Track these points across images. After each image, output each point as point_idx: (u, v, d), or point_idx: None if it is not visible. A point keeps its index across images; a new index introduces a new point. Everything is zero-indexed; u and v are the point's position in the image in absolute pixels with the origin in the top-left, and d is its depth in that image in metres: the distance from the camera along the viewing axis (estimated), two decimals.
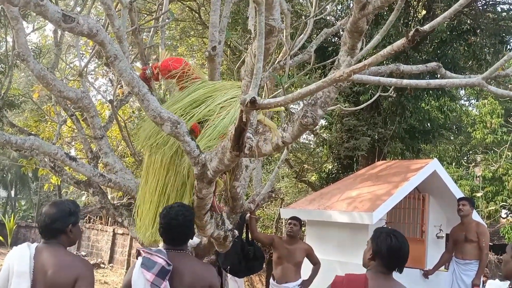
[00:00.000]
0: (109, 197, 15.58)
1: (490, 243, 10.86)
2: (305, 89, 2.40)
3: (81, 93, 5.32)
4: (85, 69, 6.77)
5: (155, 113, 3.26)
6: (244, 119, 2.83)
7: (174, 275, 3.05)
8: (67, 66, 9.40)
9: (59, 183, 18.46)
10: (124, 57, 3.26)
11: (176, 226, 3.19)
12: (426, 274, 7.45)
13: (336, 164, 14.06)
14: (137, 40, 5.89)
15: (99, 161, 6.36)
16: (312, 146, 16.94)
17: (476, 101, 26.37)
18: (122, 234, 18.94)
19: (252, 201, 6.66)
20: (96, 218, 23.74)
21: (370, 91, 11.25)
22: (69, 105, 6.81)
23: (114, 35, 4.99)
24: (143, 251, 3.17)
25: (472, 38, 12.07)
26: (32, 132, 8.29)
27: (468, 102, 27.39)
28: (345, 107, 10.10)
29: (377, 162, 10.13)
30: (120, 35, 4.83)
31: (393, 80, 2.33)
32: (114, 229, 19.76)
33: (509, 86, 14.93)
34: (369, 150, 12.31)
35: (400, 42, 2.37)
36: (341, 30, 7.59)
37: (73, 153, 14.69)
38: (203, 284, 3.06)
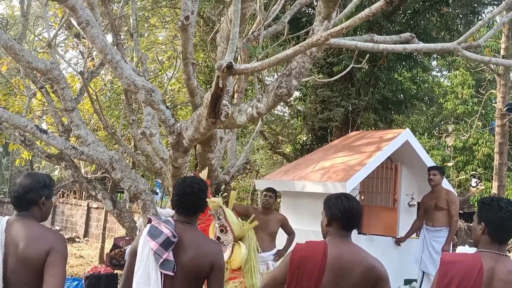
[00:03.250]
0: (83, 171, 15.43)
1: (460, 211, 11.13)
2: (282, 54, 2.38)
3: (50, 64, 5.21)
4: (54, 40, 6.61)
5: (128, 81, 3.21)
6: (220, 85, 2.80)
7: (178, 248, 3.02)
8: (36, 38, 9.15)
9: (30, 158, 18.16)
10: (97, 24, 3.18)
11: (189, 193, 3.14)
12: (398, 242, 7.61)
13: (310, 135, 14.13)
14: (107, 10, 5.76)
15: (70, 134, 6.28)
16: (286, 117, 16.98)
17: (448, 72, 26.67)
18: (97, 208, 18.83)
19: (227, 172, 6.67)
20: (70, 192, 23.52)
21: (343, 62, 11.26)
22: (38, 78, 6.67)
23: (85, 3, 4.88)
24: (153, 219, 3.16)
25: (445, 8, 12.12)
26: (1, 106, 8.11)
27: (440, 73, 27.66)
28: (319, 78, 10.10)
29: (350, 133, 10.20)
30: (92, 2, 4.73)
31: (370, 44, 2.33)
32: (88, 203, 19.63)
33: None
34: (342, 121, 12.39)
35: (378, 4, 2.35)
36: (315, 0, 7.55)
37: (44, 127, 14.42)
38: (205, 261, 3.02)
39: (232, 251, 5.09)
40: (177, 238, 3.03)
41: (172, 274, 2.98)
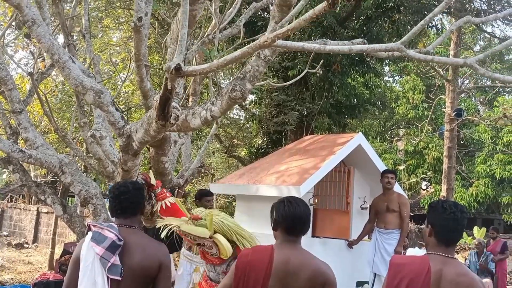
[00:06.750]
0: (33, 174, 14.99)
1: (411, 214, 11.37)
2: (230, 56, 2.37)
3: None
4: (2, 39, 6.40)
5: (76, 82, 3.14)
6: (169, 87, 2.77)
7: (124, 251, 3.00)
8: None
9: None
10: (44, 23, 3.09)
11: (125, 192, 3.13)
12: (351, 244, 7.71)
13: (265, 139, 14.18)
14: (58, 10, 5.62)
15: (19, 137, 6.09)
16: (242, 121, 16.98)
17: (400, 77, 27.35)
18: (47, 213, 18.34)
19: (181, 176, 6.61)
20: (19, 197, 22.84)
21: (298, 67, 11.36)
22: None
23: (33, 1, 4.74)
24: (93, 225, 3.09)
25: (396, 15, 12.40)
26: None
27: (392, 78, 28.32)
28: (274, 82, 10.15)
29: (305, 137, 10.30)
30: (40, 0, 4.60)
31: (317, 45, 2.35)
32: (38, 208, 19.10)
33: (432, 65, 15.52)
34: (297, 125, 12.48)
35: (321, 6, 2.36)
36: (270, 4, 7.59)
37: None
38: (153, 262, 3.02)
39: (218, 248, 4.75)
40: (122, 241, 2.99)
41: (120, 278, 2.93)
